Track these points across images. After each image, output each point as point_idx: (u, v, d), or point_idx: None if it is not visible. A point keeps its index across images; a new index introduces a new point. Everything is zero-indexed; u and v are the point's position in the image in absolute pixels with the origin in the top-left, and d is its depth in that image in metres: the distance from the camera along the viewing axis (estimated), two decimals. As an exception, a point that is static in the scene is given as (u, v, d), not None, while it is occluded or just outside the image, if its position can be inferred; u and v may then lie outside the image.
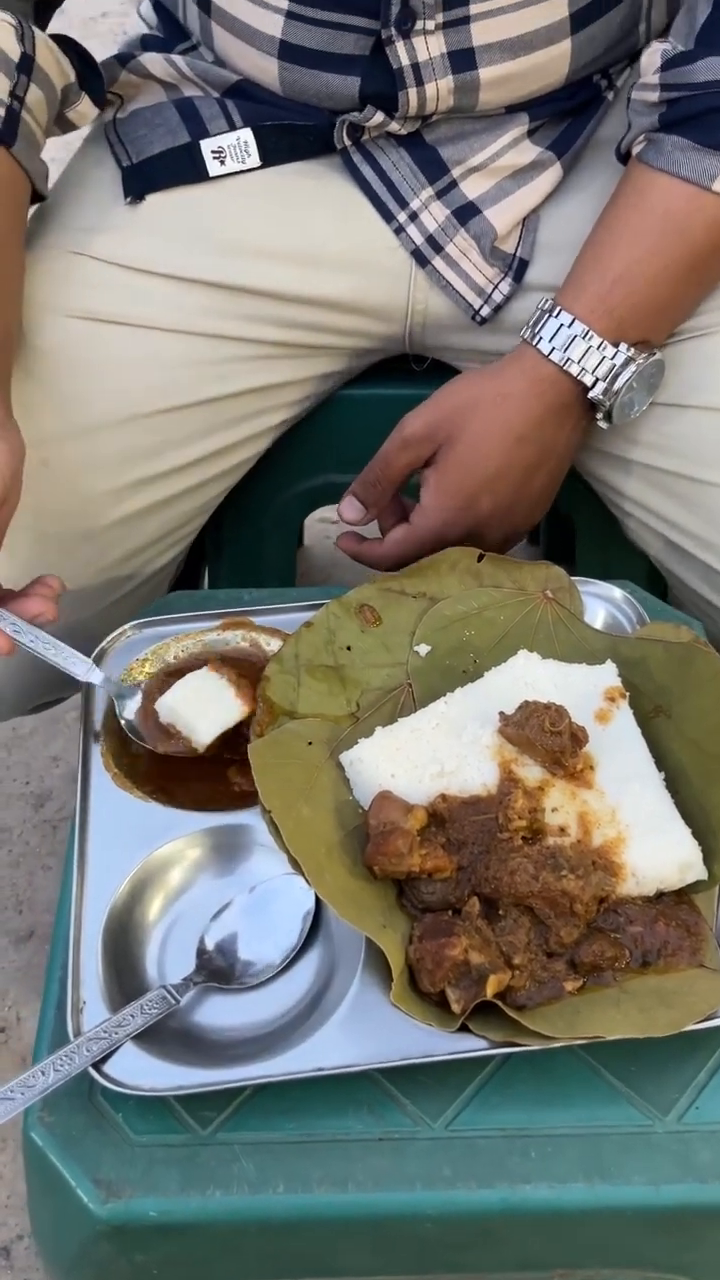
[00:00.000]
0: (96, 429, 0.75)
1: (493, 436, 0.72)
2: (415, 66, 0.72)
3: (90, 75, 0.76)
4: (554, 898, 0.53)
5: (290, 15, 0.72)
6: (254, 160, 0.78)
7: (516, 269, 0.78)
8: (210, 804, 0.60)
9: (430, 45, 0.71)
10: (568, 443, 0.74)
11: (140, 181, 0.79)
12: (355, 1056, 0.50)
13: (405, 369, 0.87)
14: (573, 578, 0.70)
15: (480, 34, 0.71)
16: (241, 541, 0.91)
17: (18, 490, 0.62)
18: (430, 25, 0.70)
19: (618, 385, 0.70)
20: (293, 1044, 0.51)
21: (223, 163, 0.78)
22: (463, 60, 0.72)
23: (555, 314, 0.70)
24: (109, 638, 0.67)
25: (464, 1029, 0.51)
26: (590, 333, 0.69)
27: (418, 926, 0.54)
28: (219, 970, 0.55)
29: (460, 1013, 0.51)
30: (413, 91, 0.73)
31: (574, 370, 0.70)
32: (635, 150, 0.71)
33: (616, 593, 0.69)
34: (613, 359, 0.69)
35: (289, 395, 0.83)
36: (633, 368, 0.69)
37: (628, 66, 0.80)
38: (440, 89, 0.73)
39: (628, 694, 0.62)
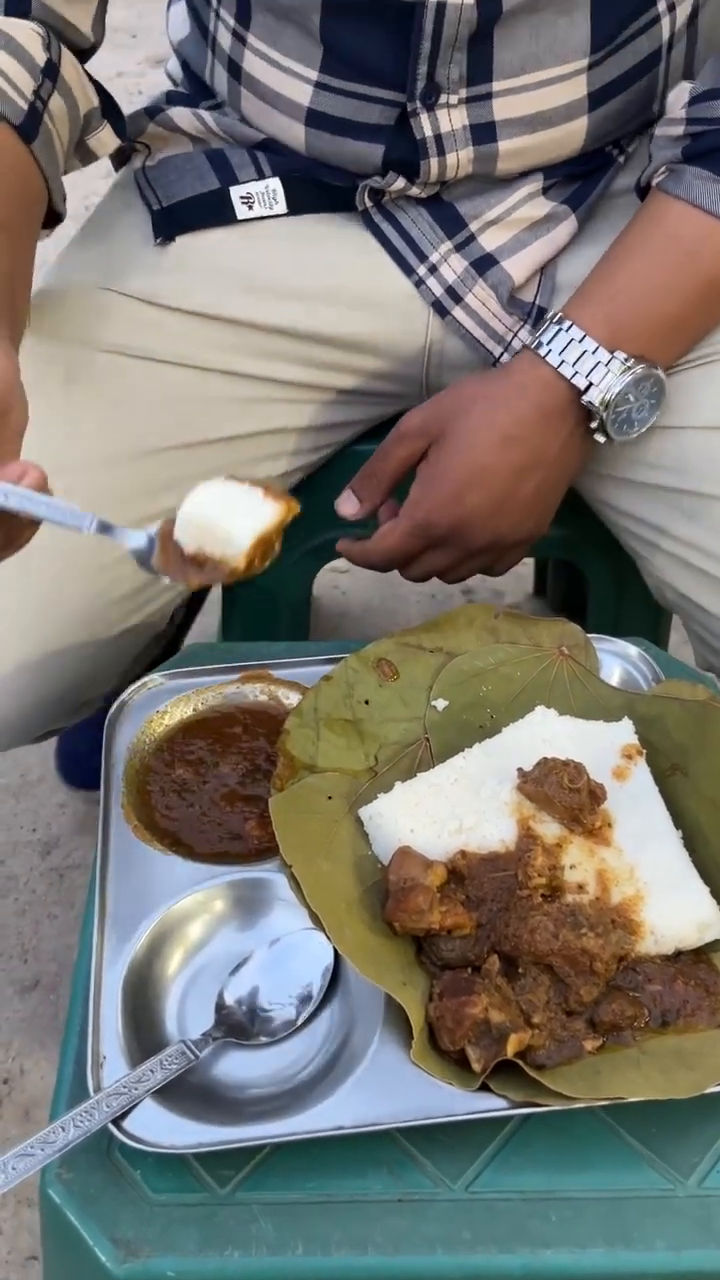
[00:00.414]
0: (118, 460, 0.76)
1: (481, 432, 0.73)
2: (438, 138, 0.74)
3: (110, 109, 0.79)
4: (573, 956, 0.53)
5: (319, 85, 0.75)
6: (281, 207, 0.81)
7: (535, 317, 0.80)
8: (230, 858, 0.61)
9: (453, 118, 0.73)
10: (562, 450, 0.74)
11: (170, 223, 0.81)
12: (375, 1115, 0.50)
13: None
14: (588, 634, 0.71)
15: (501, 109, 0.73)
16: (255, 593, 0.92)
17: (18, 404, 0.59)
18: (454, 100, 0.73)
19: (612, 393, 0.70)
20: (312, 1101, 0.51)
21: (250, 207, 0.81)
22: (484, 133, 0.74)
23: (559, 321, 0.72)
24: (131, 689, 0.68)
25: (484, 1088, 0.51)
26: (587, 338, 0.70)
27: (437, 984, 0.54)
28: (238, 1025, 0.55)
29: (481, 1072, 0.51)
30: (434, 161, 0.75)
31: (567, 372, 0.71)
32: (655, 180, 0.73)
33: (632, 650, 0.70)
34: (607, 365, 0.70)
35: (306, 440, 0.85)
36: (628, 377, 0.70)
37: (640, 136, 0.83)
38: (461, 159, 0.75)
39: (645, 751, 0.62)
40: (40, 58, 0.69)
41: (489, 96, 0.73)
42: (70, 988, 0.57)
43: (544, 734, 0.63)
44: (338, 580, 1.51)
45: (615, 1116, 0.52)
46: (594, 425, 0.73)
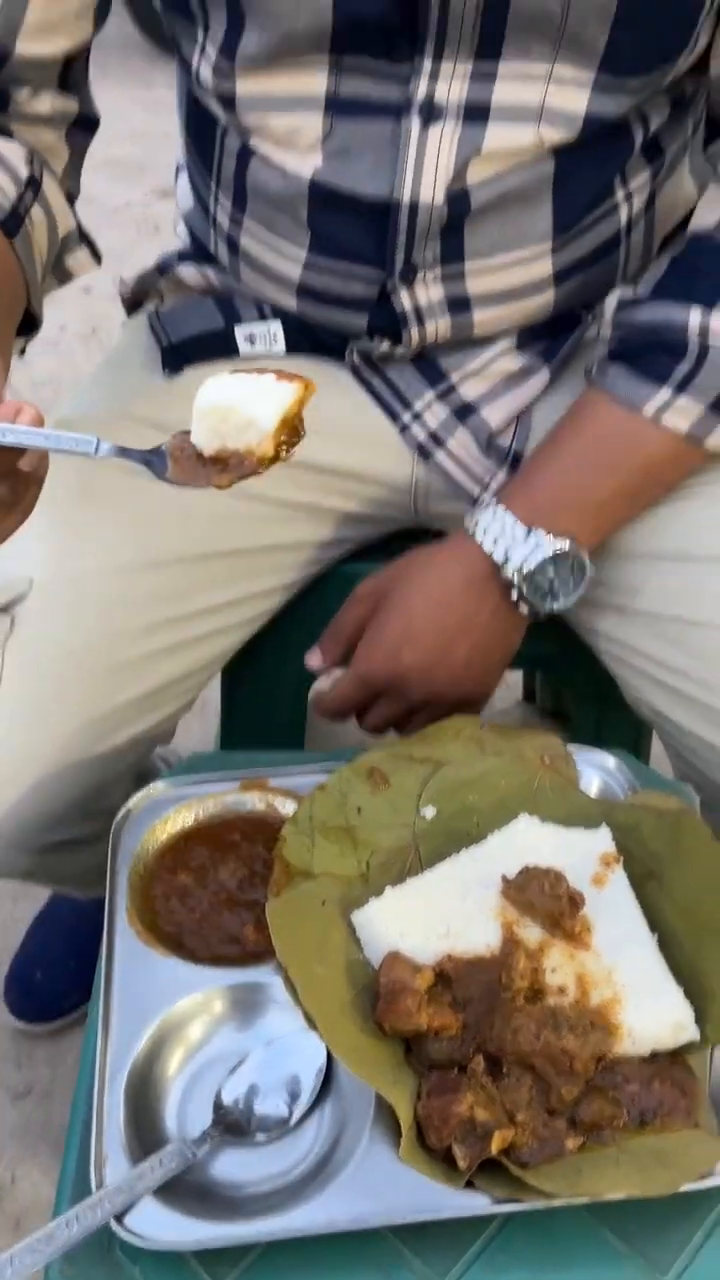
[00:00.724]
0: (131, 569, 0.81)
1: (417, 597, 0.80)
2: (417, 310, 0.81)
3: (86, 238, 0.85)
4: (554, 1056, 0.56)
5: (307, 265, 0.82)
6: (280, 348, 0.87)
7: (511, 460, 0.85)
8: (229, 960, 0.63)
9: (430, 293, 0.80)
10: (492, 618, 0.80)
11: (178, 358, 0.88)
12: (366, 1211, 0.52)
13: (415, 542, 0.94)
14: (569, 745, 0.75)
15: (474, 285, 0.80)
16: (254, 703, 0.96)
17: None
18: (430, 277, 0.79)
19: (528, 567, 0.77)
20: (305, 1198, 0.53)
21: (253, 344, 0.88)
22: (459, 305, 0.81)
23: (490, 502, 0.79)
24: (135, 797, 0.71)
25: (470, 1185, 0.53)
26: (511, 517, 0.77)
27: (425, 1083, 0.57)
28: (235, 1124, 0.57)
29: (466, 1169, 0.53)
30: (414, 329, 0.82)
31: (488, 547, 0.78)
32: (589, 372, 0.80)
33: (610, 760, 0.74)
34: (524, 541, 0.77)
35: (306, 555, 0.91)
36: (541, 554, 0.76)
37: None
38: (439, 326, 0.82)
39: (622, 858, 0.66)
40: (23, 171, 0.76)
41: (462, 275, 0.80)
42: (65, 1093, 0.60)
43: (527, 842, 0.67)
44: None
45: (597, 1214, 0.54)
46: (514, 597, 0.79)
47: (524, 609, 0.80)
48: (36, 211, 0.76)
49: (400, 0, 0.68)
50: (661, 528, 0.80)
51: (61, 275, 0.86)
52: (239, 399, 0.53)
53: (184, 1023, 0.61)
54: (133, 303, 0.94)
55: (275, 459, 0.54)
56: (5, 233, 0.73)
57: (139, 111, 3.21)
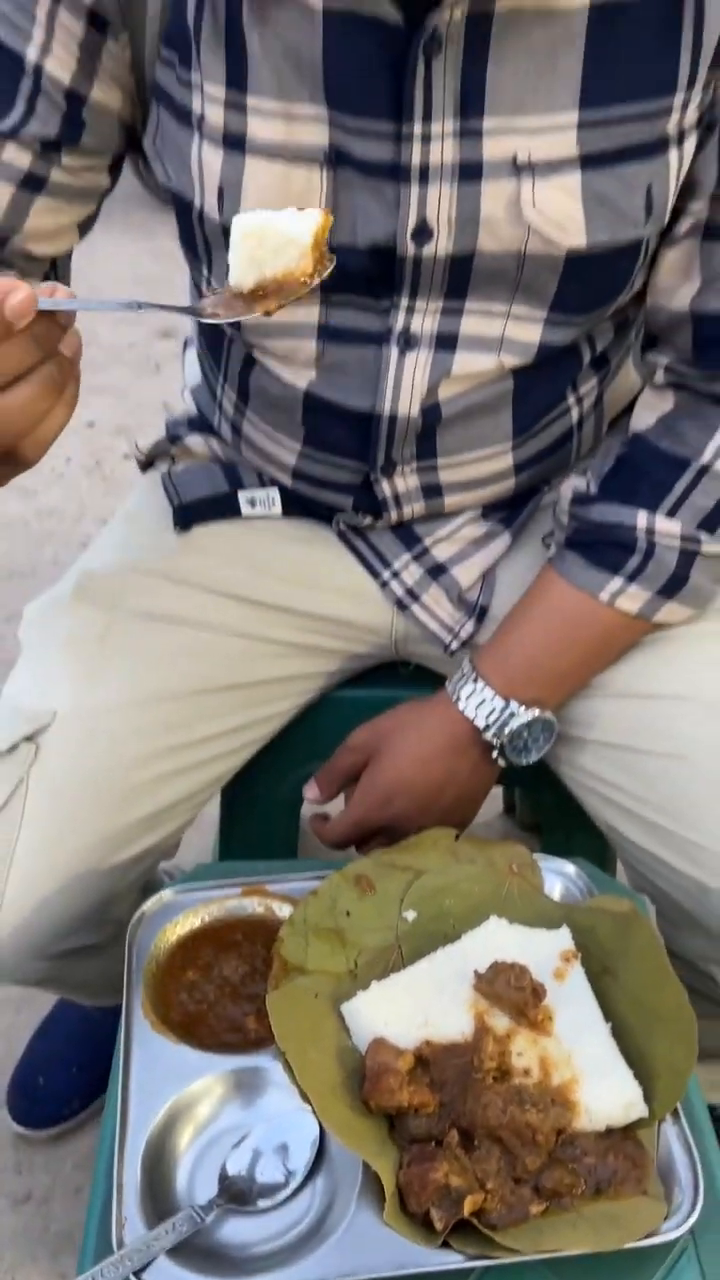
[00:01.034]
0: (144, 702, 0.90)
1: (406, 755, 0.90)
2: (395, 495, 0.93)
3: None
4: (519, 1129, 0.64)
5: (301, 454, 0.93)
6: (277, 511, 0.98)
7: (479, 613, 0.96)
8: (232, 1047, 0.71)
9: (407, 482, 0.92)
10: (473, 772, 0.92)
11: (187, 516, 0.98)
12: (354, 1267, 0.60)
13: (395, 672, 1.05)
14: (534, 854, 0.84)
15: (445, 476, 0.92)
16: (251, 818, 1.05)
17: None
18: (406, 470, 0.91)
19: (506, 732, 0.88)
20: (301, 1257, 0.60)
21: (253, 506, 0.99)
22: (432, 491, 0.93)
23: (470, 674, 0.90)
24: (148, 903, 0.80)
25: (445, 1245, 0.61)
26: (489, 689, 0.88)
27: (406, 1155, 0.65)
28: (239, 1193, 0.64)
29: (442, 1230, 0.61)
30: (393, 510, 0.94)
31: (470, 715, 0.89)
32: (549, 555, 0.92)
33: (570, 868, 0.83)
34: (502, 711, 0.88)
35: (299, 686, 1.01)
36: (516, 722, 0.88)
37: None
38: (414, 508, 0.94)
39: (580, 955, 0.74)
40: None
41: (435, 468, 0.92)
42: (64, 1199, 0.67)
43: (496, 941, 0.75)
44: (328, 810, 1.64)
45: (556, 1269, 0.62)
46: (494, 755, 0.90)
47: (501, 763, 0.91)
48: None
49: (379, 258, 0.79)
50: (615, 670, 0.91)
51: None
52: (273, 223, 0.56)
53: (193, 1103, 0.68)
54: (145, 463, 1.06)
55: (314, 276, 0.57)
56: None
57: (142, 258, 3.42)
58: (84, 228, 0.89)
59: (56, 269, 0.90)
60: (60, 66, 0.76)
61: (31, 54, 0.76)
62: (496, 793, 1.61)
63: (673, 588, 0.87)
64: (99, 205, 0.88)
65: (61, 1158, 1.30)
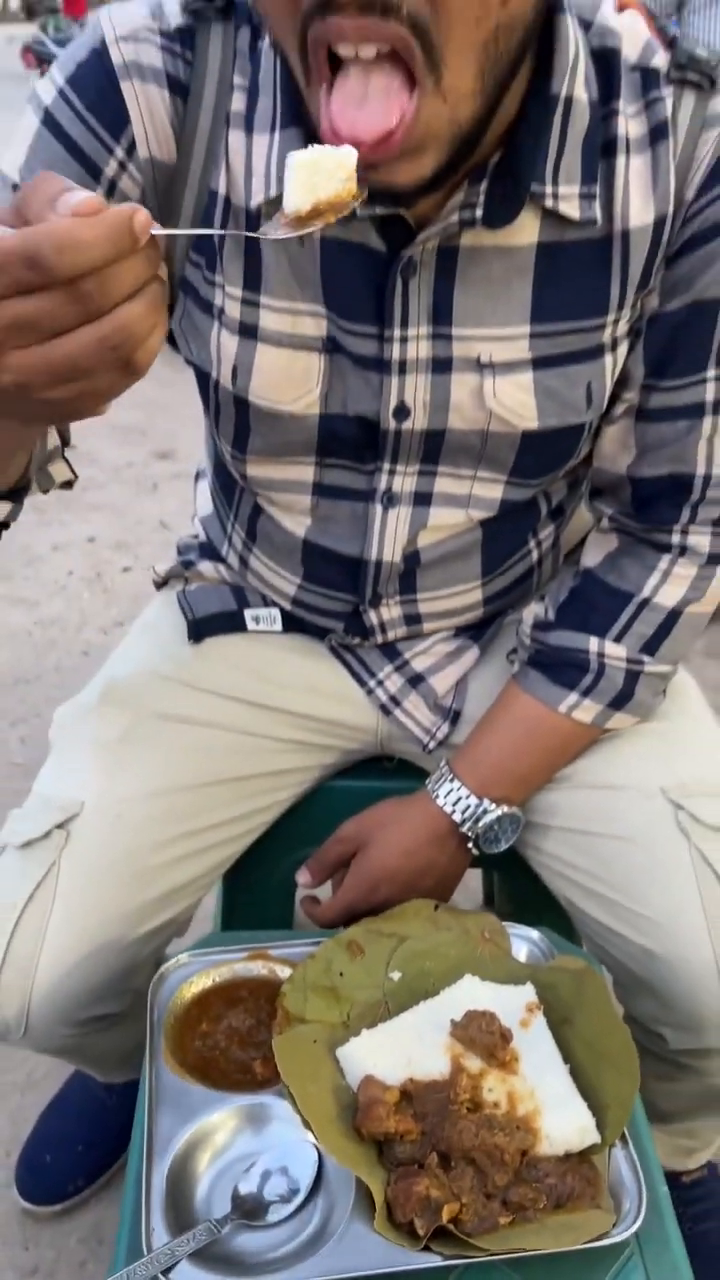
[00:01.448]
0: (160, 794, 1.02)
1: (390, 846, 1.03)
2: (381, 623, 1.07)
3: (66, 459, 1.01)
4: (489, 1150, 0.75)
5: (300, 587, 1.08)
6: (278, 628, 1.13)
7: (453, 717, 1.10)
8: (242, 1087, 0.82)
9: (391, 612, 1.07)
10: (450, 861, 1.05)
11: (200, 630, 1.12)
12: (349, 1266, 0.70)
13: (380, 765, 1.19)
14: (504, 922, 0.96)
15: (424, 607, 1.07)
16: (252, 895, 1.17)
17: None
18: (390, 602, 1.06)
19: (479, 826, 1.02)
20: (303, 1260, 0.70)
21: (258, 623, 1.13)
22: (412, 619, 1.08)
23: (447, 774, 1.03)
24: (166, 965, 0.91)
25: (427, 1249, 0.71)
26: (464, 788, 1.02)
27: (393, 1174, 0.75)
28: (249, 1209, 0.75)
29: (424, 1235, 0.71)
30: (378, 634, 1.08)
31: (449, 810, 1.02)
32: (513, 670, 1.06)
33: (534, 934, 0.95)
34: (476, 808, 1.02)
35: (295, 778, 1.14)
36: (489, 817, 1.01)
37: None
38: (397, 631, 1.09)
39: (542, 1007, 0.86)
40: None
41: (415, 601, 1.06)
42: (68, 1272, 0.77)
43: (470, 996, 0.87)
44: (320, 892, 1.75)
45: (521, 1269, 0.72)
46: (470, 845, 1.04)
47: (475, 851, 1.04)
48: None
49: (365, 428, 0.93)
50: (572, 765, 1.04)
51: (42, 479, 0.96)
52: (324, 152, 0.65)
53: (209, 1133, 0.79)
54: (161, 582, 1.21)
55: (358, 196, 0.66)
56: None
57: (143, 384, 3.63)
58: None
59: None
60: None
61: None
62: (476, 886, 1.73)
63: (620, 701, 1.02)
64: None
65: (67, 1233, 1.37)
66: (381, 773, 1.18)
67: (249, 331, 0.91)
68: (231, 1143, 0.80)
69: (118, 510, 3.10)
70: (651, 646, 1.01)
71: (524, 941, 0.96)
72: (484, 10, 0.68)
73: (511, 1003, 0.86)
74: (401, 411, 0.92)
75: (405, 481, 0.97)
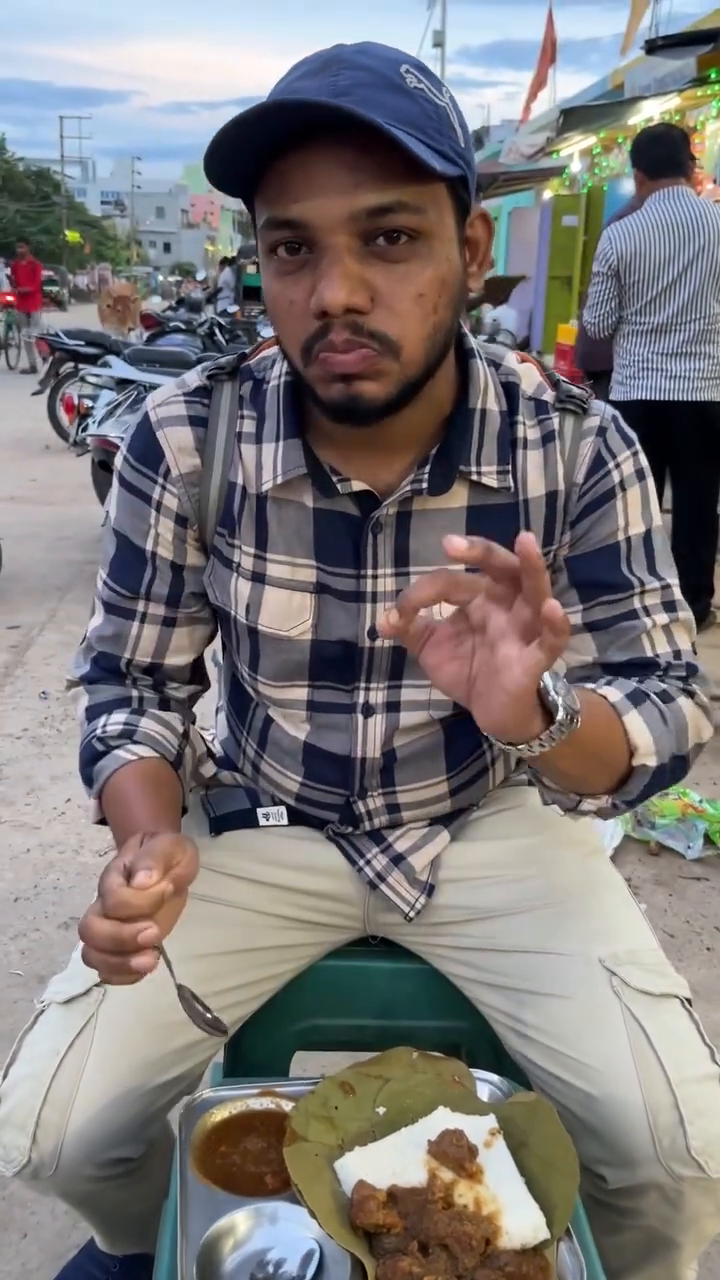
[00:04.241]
0: (182, 958, 1.18)
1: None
2: (367, 812, 1.31)
3: (209, 752, 1.38)
4: (460, 1237, 0.93)
5: (301, 784, 1.32)
6: (284, 822, 1.36)
7: (429, 890, 1.33)
8: (256, 1193, 1.00)
9: (375, 803, 1.30)
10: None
11: (219, 825, 1.36)
12: (348, 1326, 0.87)
13: (367, 944, 1.39)
14: (471, 1068, 1.15)
15: (401, 798, 1.31)
16: (253, 1060, 1.35)
17: (191, 876, 0.99)
18: (374, 795, 1.30)
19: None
20: (310, 1323, 0.87)
21: (268, 819, 1.37)
22: (393, 809, 1.32)
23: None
24: (193, 1096, 1.10)
25: (410, 1316, 0.88)
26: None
27: (382, 1260, 0.93)
28: (265, 1288, 0.92)
29: (408, 1305, 0.88)
30: (366, 821, 1.32)
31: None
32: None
33: (495, 1078, 1.15)
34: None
35: (295, 953, 1.34)
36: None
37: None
38: (381, 820, 1.32)
39: (501, 1132, 1.05)
40: (180, 728, 1.28)
41: (395, 793, 1.28)
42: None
43: (443, 1123, 1.06)
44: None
45: (486, 1333, 0.89)
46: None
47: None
48: (187, 750, 1.30)
49: (345, 650, 1.18)
50: (520, 933, 1.26)
51: (197, 777, 1.36)
52: None
53: (230, 1230, 0.96)
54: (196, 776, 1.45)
55: None
56: (174, 765, 1.25)
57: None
58: (209, 636, 1.34)
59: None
60: (165, 549, 1.24)
61: (148, 545, 1.24)
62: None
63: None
64: (212, 631, 1.34)
65: None
66: (367, 952, 1.39)
67: (258, 578, 1.22)
68: (250, 1237, 0.96)
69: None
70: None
71: (486, 1084, 1.15)
72: (425, 324, 1.02)
73: (477, 1129, 1.05)
74: (374, 633, 1.21)
75: (378, 695, 1.24)
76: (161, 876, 0.93)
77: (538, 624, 0.83)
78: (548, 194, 14.83)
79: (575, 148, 12.73)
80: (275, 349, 1.22)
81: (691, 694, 1.21)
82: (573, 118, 10.06)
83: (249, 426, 1.20)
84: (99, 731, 1.23)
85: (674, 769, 1.15)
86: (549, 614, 0.80)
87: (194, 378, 1.23)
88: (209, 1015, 1.03)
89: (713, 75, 7.92)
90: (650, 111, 9.36)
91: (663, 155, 4.25)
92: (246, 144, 0.95)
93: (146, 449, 1.21)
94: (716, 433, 4.31)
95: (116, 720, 1.24)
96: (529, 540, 0.80)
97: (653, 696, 1.16)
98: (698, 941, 2.63)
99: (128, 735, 1.23)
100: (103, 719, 1.25)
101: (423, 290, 1.01)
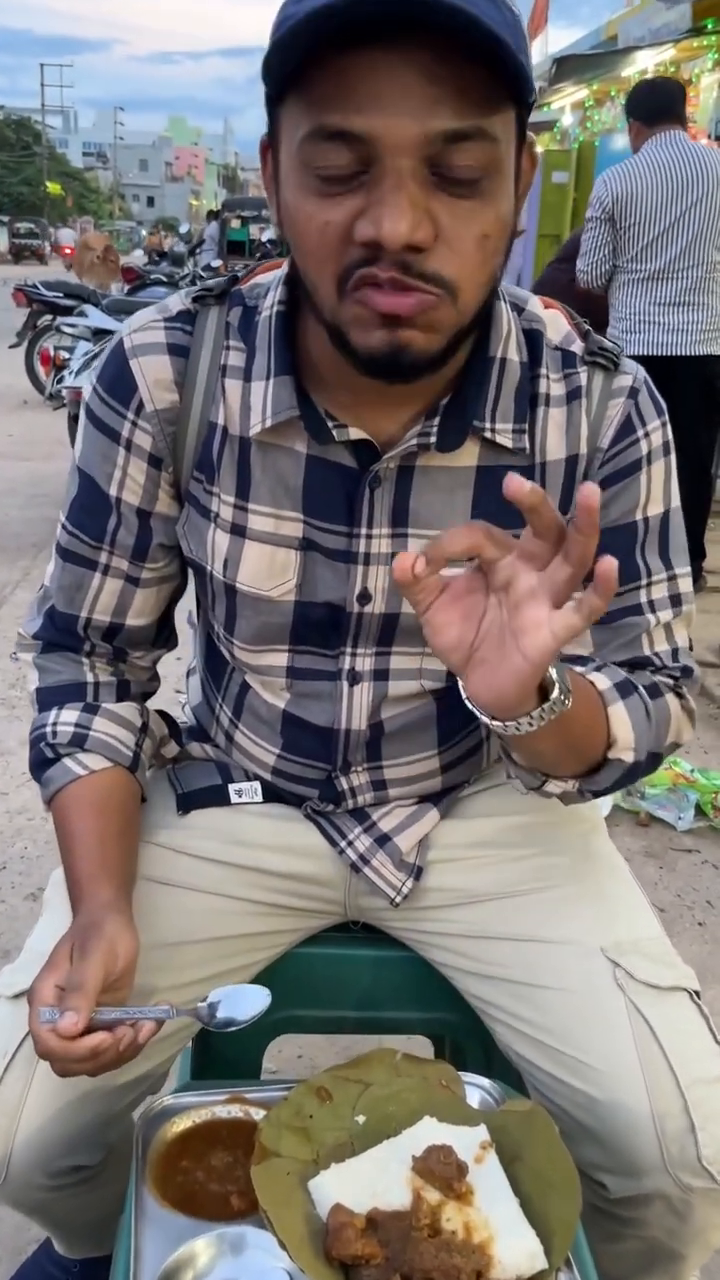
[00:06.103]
0: (149, 949, 1.08)
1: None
2: (351, 789, 1.20)
3: (174, 729, 1.27)
4: (447, 1270, 0.83)
5: (279, 757, 1.21)
6: (258, 799, 1.25)
7: (416, 873, 1.22)
8: (220, 1216, 0.89)
9: (359, 779, 1.20)
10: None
11: (187, 802, 1.25)
12: None
13: (347, 930, 1.29)
14: (460, 1072, 1.05)
15: (388, 774, 1.20)
16: (226, 1051, 1.25)
17: (130, 976, 0.96)
18: (359, 770, 1.19)
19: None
20: None
21: (240, 796, 1.25)
22: (379, 786, 1.21)
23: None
24: (153, 1103, 0.99)
25: None
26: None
27: (360, 1294, 0.83)
28: (228, 1327, 0.81)
29: (389, 1348, 0.78)
30: (349, 799, 1.21)
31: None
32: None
33: (485, 1082, 1.05)
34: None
35: (268, 941, 1.23)
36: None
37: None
38: (365, 798, 1.22)
39: (494, 1145, 0.95)
40: (137, 722, 1.17)
41: (381, 768, 1.18)
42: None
43: (429, 1136, 0.95)
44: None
45: None
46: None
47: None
48: (146, 744, 1.19)
49: (332, 613, 1.08)
50: (517, 922, 1.16)
51: (160, 761, 1.26)
52: None
53: (191, 1259, 0.86)
54: (160, 760, 1.34)
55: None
56: (131, 770, 1.15)
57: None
58: (175, 596, 1.22)
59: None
60: (133, 494, 1.12)
61: (114, 490, 1.11)
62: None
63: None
64: (180, 586, 1.22)
65: None
66: (348, 939, 1.28)
67: (239, 531, 1.10)
68: (213, 1267, 0.86)
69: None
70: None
71: (476, 1089, 1.05)
72: (485, 269, 0.90)
73: (466, 1141, 0.95)
74: (364, 597, 1.09)
75: (366, 661, 1.13)
76: (88, 1014, 0.91)
77: (572, 588, 0.77)
78: (539, 149, 14.54)
79: (567, 100, 12.45)
80: (272, 274, 1.09)
81: (680, 695, 1.13)
82: (566, 66, 9.80)
83: (235, 359, 1.07)
84: (49, 735, 1.14)
85: (647, 766, 1.09)
86: (605, 572, 0.74)
87: (177, 301, 1.10)
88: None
89: (709, 25, 7.71)
90: (645, 63, 9.13)
91: (661, 104, 4.10)
92: (306, 32, 0.78)
93: (117, 380, 1.09)
94: (716, 390, 4.18)
95: (67, 721, 1.14)
96: (594, 494, 0.72)
97: (641, 690, 1.07)
98: (689, 916, 2.54)
99: (78, 743, 1.13)
100: (52, 715, 1.15)
101: (487, 231, 0.88)
